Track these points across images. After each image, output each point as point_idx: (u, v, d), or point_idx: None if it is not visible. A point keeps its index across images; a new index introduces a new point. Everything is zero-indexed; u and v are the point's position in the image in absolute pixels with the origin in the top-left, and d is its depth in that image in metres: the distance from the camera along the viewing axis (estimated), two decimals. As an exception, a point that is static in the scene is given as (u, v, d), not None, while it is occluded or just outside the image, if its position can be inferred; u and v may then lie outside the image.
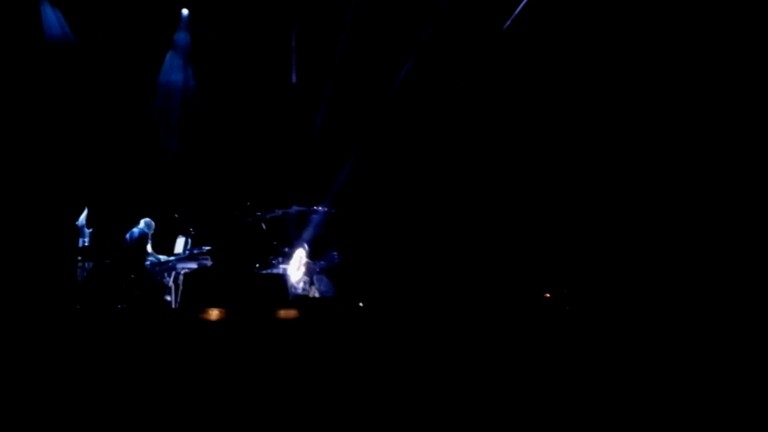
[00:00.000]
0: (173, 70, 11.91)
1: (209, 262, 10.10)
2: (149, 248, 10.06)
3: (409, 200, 11.78)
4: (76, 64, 11.03)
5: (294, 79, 12.09)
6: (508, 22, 11.26)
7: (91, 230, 9.87)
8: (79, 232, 9.47)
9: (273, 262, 10.59)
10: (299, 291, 10.53)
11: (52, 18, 10.86)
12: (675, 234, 10.45)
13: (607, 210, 10.94)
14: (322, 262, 11.08)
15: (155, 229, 10.12)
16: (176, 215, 10.50)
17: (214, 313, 6.72)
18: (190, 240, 10.40)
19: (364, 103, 12.09)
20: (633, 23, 10.61)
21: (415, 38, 11.69)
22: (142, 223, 9.97)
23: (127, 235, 9.83)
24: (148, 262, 9.90)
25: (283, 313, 7.26)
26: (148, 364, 5.94)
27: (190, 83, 12.03)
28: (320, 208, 11.63)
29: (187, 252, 10.25)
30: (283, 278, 9.88)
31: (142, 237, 9.91)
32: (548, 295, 9.90)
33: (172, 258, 10.18)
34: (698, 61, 10.35)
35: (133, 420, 5.45)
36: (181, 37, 11.92)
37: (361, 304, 8.81)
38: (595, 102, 11.08)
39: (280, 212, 11.09)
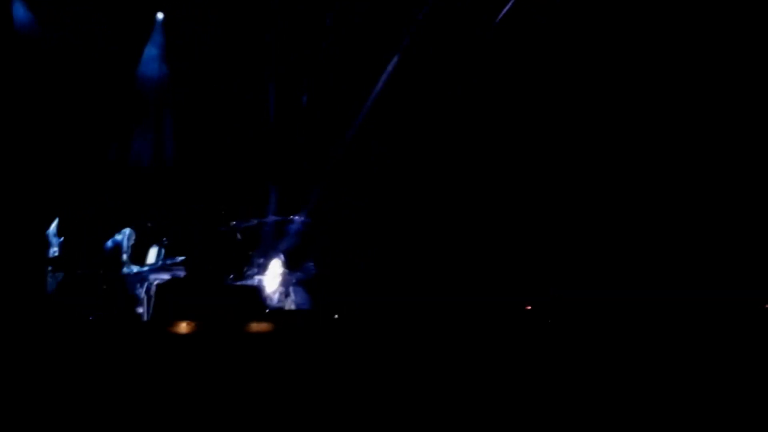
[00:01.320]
0: (148, 73, 11.74)
1: (183, 273, 9.94)
2: (125, 257, 9.89)
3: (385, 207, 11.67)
4: (46, 61, 10.85)
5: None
6: (498, 18, 11.20)
7: (61, 240, 9.68)
8: (48, 241, 9.30)
9: (248, 273, 10.44)
10: (275, 303, 10.39)
11: (19, 10, 10.69)
12: (656, 244, 10.44)
13: (588, 218, 10.92)
14: (298, 274, 10.95)
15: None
16: (149, 224, 10.33)
17: (183, 326, 6.57)
18: (163, 250, 10.23)
19: (347, 104, 11.96)
20: (624, 22, 10.61)
21: (400, 35, 11.58)
22: (118, 235, 9.77)
23: (107, 244, 9.65)
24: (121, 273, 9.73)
25: (257, 326, 7.12)
26: (116, 378, 5.82)
27: (165, 87, 11.85)
28: (297, 217, 11.50)
29: (159, 262, 10.08)
30: (258, 290, 9.75)
31: (116, 247, 9.75)
32: (529, 307, 9.80)
33: (144, 269, 10.00)
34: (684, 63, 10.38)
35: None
36: (156, 41, 11.76)
37: (336, 316, 8.70)
38: (571, 108, 11.06)
39: (255, 222, 10.96)
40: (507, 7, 11.15)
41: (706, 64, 10.39)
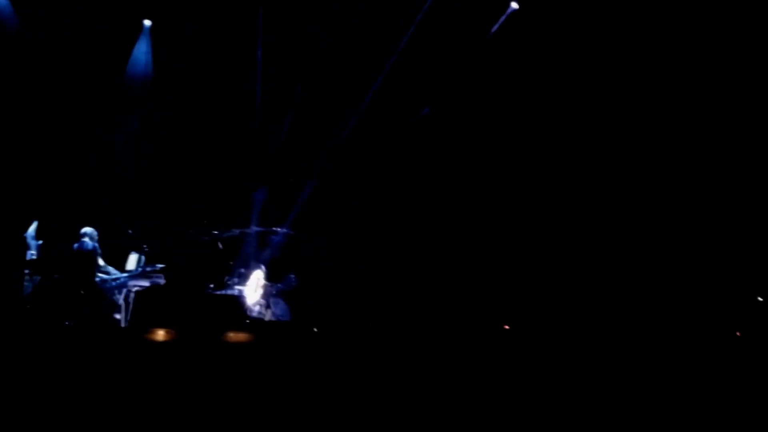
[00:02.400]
0: (133, 79, 11.68)
1: (162, 281, 9.85)
2: (100, 261, 9.78)
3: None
4: (26, 63, 10.78)
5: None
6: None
7: (40, 242, 9.56)
8: (26, 244, 9.18)
9: (228, 282, 10.36)
10: (254, 314, 10.30)
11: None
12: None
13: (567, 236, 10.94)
14: (279, 285, 10.87)
15: (98, 239, 9.81)
16: (130, 231, 10.23)
17: (161, 334, 6.51)
18: (143, 257, 10.12)
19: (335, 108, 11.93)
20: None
21: (393, 39, 11.55)
22: (87, 237, 9.62)
23: (75, 245, 9.51)
24: (98, 278, 9.60)
25: (235, 336, 7.06)
26: (91, 384, 5.76)
27: (149, 94, 11.77)
28: (280, 229, 11.44)
29: (139, 269, 9.98)
30: (238, 300, 9.66)
31: (94, 251, 9.63)
32: (507, 326, 9.78)
33: (123, 274, 9.89)
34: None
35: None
36: (143, 47, 11.70)
37: (315, 329, 8.64)
38: (567, 110, 11.11)
39: (237, 232, 10.89)
40: (501, 19, 11.16)
41: (699, 69, 10.45)
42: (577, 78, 11.13)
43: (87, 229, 9.67)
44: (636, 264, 10.66)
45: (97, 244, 9.72)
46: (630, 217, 11.06)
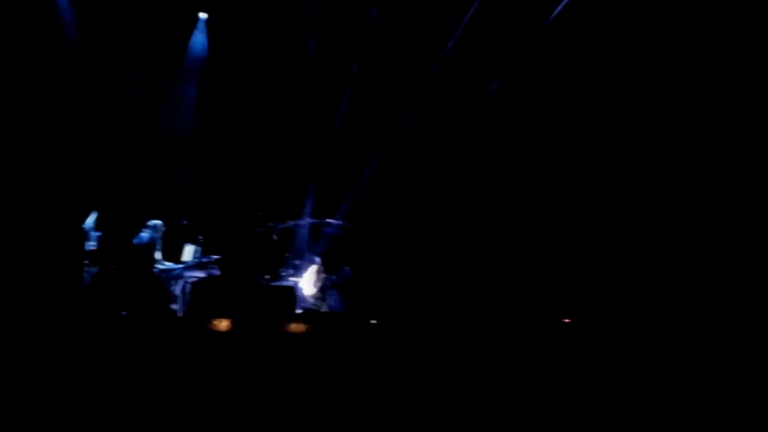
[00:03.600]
0: (189, 75, 11.75)
1: (218, 272, 9.89)
2: (158, 255, 9.86)
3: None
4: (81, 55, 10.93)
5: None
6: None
7: (99, 234, 9.68)
8: (85, 235, 9.28)
9: (283, 274, 10.37)
10: (309, 305, 10.30)
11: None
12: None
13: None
14: (333, 278, 10.85)
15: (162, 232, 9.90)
16: (184, 222, 10.31)
17: (217, 324, 6.52)
18: (199, 249, 10.19)
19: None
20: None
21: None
22: (149, 228, 9.73)
23: (135, 240, 9.62)
24: (155, 269, 9.68)
25: (290, 327, 7.04)
26: (150, 373, 5.79)
27: (205, 86, 11.83)
28: (334, 221, 11.42)
29: (195, 260, 10.04)
30: (293, 291, 9.67)
31: (151, 243, 9.72)
32: (568, 320, 9.56)
33: (179, 266, 9.95)
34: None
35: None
36: (198, 41, 11.75)
37: (373, 321, 8.58)
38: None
39: (292, 224, 10.91)
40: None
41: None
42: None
43: (152, 222, 9.79)
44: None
45: (157, 236, 9.82)
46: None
